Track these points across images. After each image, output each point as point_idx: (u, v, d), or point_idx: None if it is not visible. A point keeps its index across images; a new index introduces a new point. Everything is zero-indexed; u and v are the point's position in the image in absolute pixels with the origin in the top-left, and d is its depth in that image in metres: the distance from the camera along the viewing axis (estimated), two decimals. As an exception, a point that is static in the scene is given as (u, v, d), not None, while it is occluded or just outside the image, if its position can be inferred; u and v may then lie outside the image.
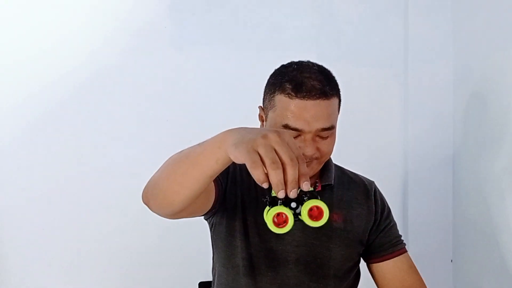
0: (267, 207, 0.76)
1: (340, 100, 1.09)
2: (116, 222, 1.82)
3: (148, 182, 0.92)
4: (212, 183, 1.01)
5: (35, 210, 1.79)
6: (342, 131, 1.85)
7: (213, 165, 0.78)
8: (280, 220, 0.71)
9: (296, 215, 0.73)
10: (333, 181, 1.14)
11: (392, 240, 1.17)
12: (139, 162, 1.82)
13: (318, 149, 1.03)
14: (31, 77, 1.79)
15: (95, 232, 1.82)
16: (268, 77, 1.08)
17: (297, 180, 0.67)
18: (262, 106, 1.10)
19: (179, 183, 0.83)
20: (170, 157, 0.90)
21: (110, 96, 1.84)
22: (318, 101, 0.99)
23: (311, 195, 0.74)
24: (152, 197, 0.90)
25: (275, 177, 0.66)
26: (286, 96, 0.99)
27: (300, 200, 0.73)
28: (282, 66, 1.07)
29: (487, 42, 1.61)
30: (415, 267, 1.18)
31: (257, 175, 0.66)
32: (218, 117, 1.83)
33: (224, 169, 0.80)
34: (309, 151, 1.00)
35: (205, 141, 0.81)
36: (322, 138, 1.03)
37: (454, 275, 1.84)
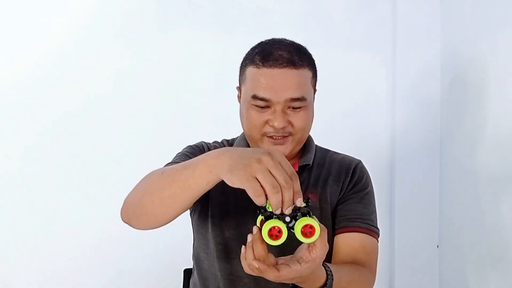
0: (260, 217, 0.79)
1: (314, 75, 1.07)
2: (99, 211, 1.78)
3: (127, 201, 0.93)
4: None
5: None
6: (329, 117, 1.87)
7: (204, 187, 0.81)
8: (274, 232, 0.75)
9: (289, 229, 0.77)
10: (311, 162, 1.12)
11: (349, 215, 1.10)
12: (120, 145, 1.80)
13: (290, 122, 1.02)
14: (10, 61, 1.73)
15: (76, 220, 1.78)
16: None
17: (292, 199, 0.72)
18: (238, 86, 1.10)
19: (167, 205, 0.85)
20: (149, 177, 0.91)
21: (92, 80, 1.79)
22: (285, 69, 0.98)
23: (304, 211, 0.78)
24: (135, 217, 0.92)
25: (276, 200, 0.71)
26: (254, 67, 1.00)
27: (293, 214, 0.77)
28: (258, 43, 1.08)
29: (475, 28, 1.60)
30: (370, 250, 1.08)
31: (260, 201, 0.71)
32: (203, 101, 1.81)
33: None
34: (280, 123, 0.99)
35: (191, 163, 0.82)
36: (294, 110, 1.02)
37: (440, 261, 1.85)
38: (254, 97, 1.00)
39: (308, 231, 0.76)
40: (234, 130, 1.20)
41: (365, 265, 1.05)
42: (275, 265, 0.76)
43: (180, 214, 0.87)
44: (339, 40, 1.90)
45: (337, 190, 1.12)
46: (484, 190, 1.53)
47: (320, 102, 1.80)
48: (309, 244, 0.78)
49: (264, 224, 0.75)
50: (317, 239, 0.76)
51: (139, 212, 0.90)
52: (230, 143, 1.19)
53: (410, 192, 1.86)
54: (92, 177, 1.79)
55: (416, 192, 1.86)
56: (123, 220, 0.95)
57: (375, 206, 1.16)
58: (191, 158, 0.99)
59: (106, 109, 1.80)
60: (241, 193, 0.76)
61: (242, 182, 0.72)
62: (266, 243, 0.76)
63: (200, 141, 1.18)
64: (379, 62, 1.91)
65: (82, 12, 1.78)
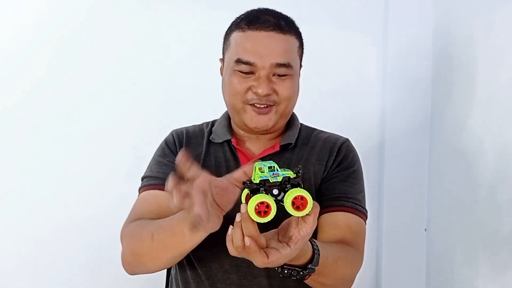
0: (246, 190, 0.74)
1: (301, 46, 1.04)
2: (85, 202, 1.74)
3: (126, 261, 0.97)
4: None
5: None
6: (319, 96, 1.84)
7: (198, 240, 0.85)
8: (261, 208, 0.68)
9: (278, 202, 0.70)
10: (294, 140, 1.08)
11: (334, 194, 1.04)
12: (103, 127, 1.75)
13: (274, 90, 0.98)
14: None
15: (64, 208, 1.72)
16: None
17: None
18: (221, 58, 1.07)
19: (171, 262, 0.95)
20: (139, 240, 0.93)
21: (75, 56, 1.73)
22: (271, 33, 0.95)
23: (294, 182, 0.71)
24: (141, 272, 0.98)
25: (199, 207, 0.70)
26: (239, 31, 0.98)
27: (282, 186, 0.70)
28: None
29: (468, 7, 1.58)
30: (356, 229, 1.03)
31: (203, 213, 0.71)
32: (188, 79, 1.77)
33: None
34: (264, 89, 0.96)
35: (176, 229, 0.85)
36: (279, 78, 0.99)
37: (428, 244, 1.84)
38: (238, 61, 0.96)
39: (299, 203, 0.70)
40: (221, 108, 1.15)
41: (351, 244, 0.99)
42: (265, 249, 0.70)
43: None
44: (330, 18, 1.85)
45: (321, 170, 1.06)
46: (475, 172, 1.51)
47: (310, 81, 1.76)
48: (297, 220, 0.72)
49: (250, 200, 0.69)
50: (310, 216, 0.71)
51: (144, 269, 0.96)
52: (212, 124, 1.16)
53: (399, 174, 1.84)
54: (70, 156, 1.74)
55: (405, 174, 1.84)
56: (128, 273, 0.99)
57: (363, 186, 1.10)
58: (165, 166, 1.05)
59: (88, 87, 1.74)
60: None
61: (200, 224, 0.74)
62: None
63: (171, 131, 1.15)
64: (370, 41, 1.87)
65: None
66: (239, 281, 1.02)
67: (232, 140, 1.08)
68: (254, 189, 0.71)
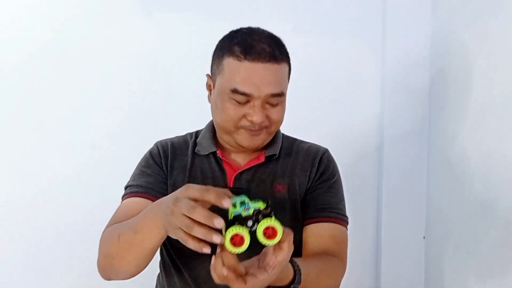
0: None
1: (290, 68, 1.05)
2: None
3: (99, 265, 0.98)
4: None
5: None
6: (318, 104, 1.85)
7: (160, 241, 0.88)
8: (236, 239, 0.75)
9: (253, 233, 0.76)
10: (278, 151, 1.12)
11: (318, 205, 1.10)
12: (103, 134, 1.77)
13: (267, 117, 1.01)
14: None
15: (68, 213, 1.75)
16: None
17: (215, 223, 0.72)
18: (209, 74, 1.07)
19: (136, 264, 0.92)
20: (108, 241, 0.95)
21: (75, 66, 1.75)
22: (268, 64, 0.96)
23: (265, 213, 0.77)
24: (114, 275, 0.98)
25: (199, 234, 0.72)
26: (235, 59, 0.97)
27: (255, 218, 0.76)
28: (231, 31, 1.05)
29: (466, 15, 1.59)
30: (340, 239, 1.09)
31: (193, 246, 0.73)
32: (187, 88, 1.78)
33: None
34: (258, 118, 0.99)
35: (140, 227, 0.87)
36: (272, 105, 1.01)
37: (426, 252, 1.84)
38: (234, 91, 0.97)
39: (270, 232, 0.75)
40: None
41: (335, 254, 1.05)
42: (243, 276, 0.76)
43: (153, 255, 0.93)
44: (328, 27, 1.86)
45: (305, 180, 1.11)
46: (473, 178, 1.52)
47: (309, 89, 1.80)
48: (274, 246, 0.77)
49: (225, 233, 0.74)
50: (285, 243, 0.76)
51: (115, 272, 0.96)
52: (196, 135, 1.18)
53: (398, 181, 1.84)
54: (71, 164, 1.76)
55: (403, 181, 1.84)
56: (104, 278, 0.99)
57: (343, 195, 1.16)
58: (148, 176, 1.08)
59: (88, 95, 1.76)
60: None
61: (175, 236, 0.76)
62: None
63: (156, 142, 1.17)
64: (368, 50, 1.88)
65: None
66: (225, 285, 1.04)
67: (217, 152, 1.11)
68: (230, 222, 0.77)
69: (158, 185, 1.08)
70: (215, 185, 1.05)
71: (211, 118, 1.18)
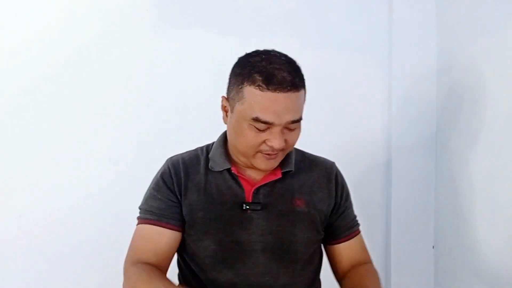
0: None
1: (305, 91, 1.06)
2: (96, 210, 1.79)
3: None
4: (168, 230, 1.09)
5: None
6: (326, 117, 1.87)
7: None
8: None
9: None
10: (293, 167, 1.14)
11: (348, 223, 1.20)
12: (117, 147, 1.80)
13: (285, 140, 1.03)
14: (5, 58, 1.75)
15: (75, 219, 1.78)
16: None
17: None
18: (226, 96, 1.08)
19: None
20: (130, 282, 1.03)
21: (90, 80, 1.79)
22: (289, 93, 0.98)
23: None
24: None
25: None
26: (256, 88, 0.97)
27: None
28: (248, 55, 1.05)
29: (471, 29, 1.61)
30: (365, 245, 1.23)
31: None
32: (199, 102, 1.81)
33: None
34: (278, 144, 1.01)
35: None
36: (290, 130, 1.04)
37: (436, 261, 1.85)
38: (256, 119, 0.99)
39: None
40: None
41: (366, 260, 1.20)
42: None
43: None
44: (336, 41, 1.89)
45: (326, 197, 1.16)
46: (480, 191, 1.53)
47: (317, 102, 1.82)
48: None
49: None
50: None
51: None
52: (207, 150, 1.18)
53: (406, 192, 1.86)
54: (88, 177, 1.80)
55: (412, 192, 1.86)
56: None
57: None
58: (159, 200, 1.11)
59: (102, 110, 1.80)
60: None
61: None
62: None
63: (167, 161, 1.18)
64: (375, 64, 1.91)
65: (78, 12, 1.78)
66: None
67: (232, 168, 1.12)
68: None
69: (169, 210, 1.10)
70: (233, 200, 1.09)
71: (222, 131, 1.20)
